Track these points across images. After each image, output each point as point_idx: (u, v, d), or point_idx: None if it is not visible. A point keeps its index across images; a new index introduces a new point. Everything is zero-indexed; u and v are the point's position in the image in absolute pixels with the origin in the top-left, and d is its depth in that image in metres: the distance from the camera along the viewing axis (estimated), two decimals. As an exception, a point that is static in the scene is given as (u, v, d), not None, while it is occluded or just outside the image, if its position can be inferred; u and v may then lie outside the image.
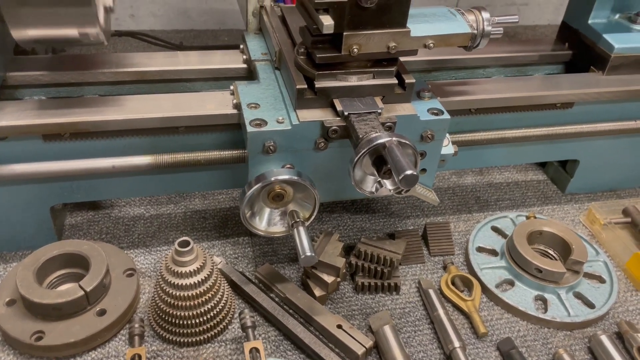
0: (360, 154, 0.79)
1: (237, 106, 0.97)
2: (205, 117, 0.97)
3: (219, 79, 1.13)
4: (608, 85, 1.17)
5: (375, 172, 0.82)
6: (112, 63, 1.08)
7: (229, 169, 1.04)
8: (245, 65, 1.12)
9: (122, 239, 1.12)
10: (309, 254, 0.88)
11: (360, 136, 0.83)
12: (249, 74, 1.12)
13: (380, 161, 0.81)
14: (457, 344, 0.94)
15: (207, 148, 1.00)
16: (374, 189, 0.85)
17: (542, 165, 1.42)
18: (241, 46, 1.15)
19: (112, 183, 1.01)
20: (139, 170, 0.98)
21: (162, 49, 1.69)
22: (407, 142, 0.79)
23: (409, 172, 0.72)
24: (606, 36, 1.18)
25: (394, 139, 0.78)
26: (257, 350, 0.88)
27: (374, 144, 0.78)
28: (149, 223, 1.17)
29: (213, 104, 0.98)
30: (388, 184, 0.83)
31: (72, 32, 0.86)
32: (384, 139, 0.78)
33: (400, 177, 0.72)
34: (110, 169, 0.97)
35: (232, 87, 1.01)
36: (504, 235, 1.19)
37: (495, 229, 1.21)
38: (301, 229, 0.93)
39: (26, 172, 0.94)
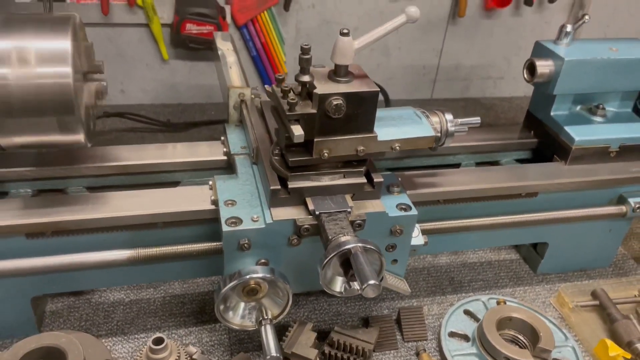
0: (328, 258, 0.83)
1: (215, 202, 1.01)
2: (183, 214, 1.01)
3: (201, 170, 1.18)
4: (570, 175, 1.23)
5: (342, 274, 0.86)
6: (97, 157, 1.13)
7: (207, 259, 1.08)
8: (225, 158, 1.17)
9: (101, 327, 1.14)
10: (274, 354, 0.92)
11: (330, 237, 0.88)
12: (229, 166, 1.17)
13: (348, 264, 0.85)
14: None
15: (186, 241, 1.04)
16: (342, 290, 0.88)
17: (515, 245, 1.46)
18: (222, 138, 1.21)
19: (92, 275, 1.04)
20: (120, 263, 1.01)
21: (147, 135, 1.75)
22: (372, 247, 0.84)
23: (371, 281, 0.76)
24: (567, 128, 1.25)
25: (359, 245, 0.82)
26: None
27: (341, 249, 0.82)
28: (128, 309, 1.19)
29: (192, 200, 1.03)
30: (356, 285, 0.86)
31: (56, 138, 0.91)
32: (350, 245, 0.82)
33: (363, 286, 0.76)
34: (91, 264, 1.00)
35: (210, 182, 1.06)
36: (476, 318, 1.22)
37: (467, 312, 1.24)
38: (268, 327, 0.97)
39: (7, 268, 0.97)
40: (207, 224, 1.05)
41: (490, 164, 1.40)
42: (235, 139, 1.18)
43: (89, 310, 1.18)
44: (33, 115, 0.87)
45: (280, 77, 0.95)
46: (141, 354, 0.94)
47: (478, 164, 1.38)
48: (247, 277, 0.93)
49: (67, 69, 0.86)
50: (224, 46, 1.43)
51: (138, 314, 1.18)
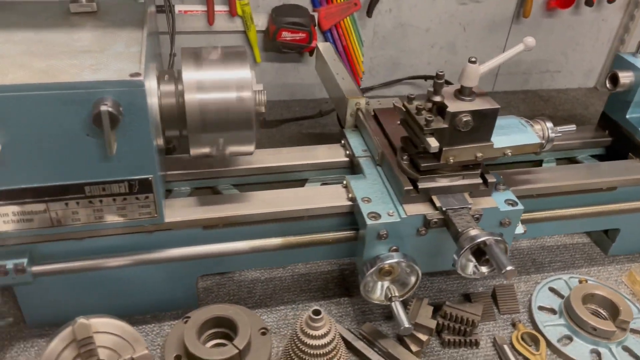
0: (465, 248, 1.03)
1: (352, 199, 1.22)
2: (327, 209, 1.22)
3: (325, 169, 1.38)
4: (645, 171, 1.41)
5: (474, 260, 1.07)
6: (240, 160, 1.34)
7: (339, 244, 1.28)
8: (347, 159, 1.37)
9: (247, 300, 1.37)
10: (407, 325, 1.13)
11: (460, 230, 1.08)
12: (350, 166, 1.37)
13: (479, 253, 1.05)
14: (532, 391, 1.17)
15: (324, 230, 1.25)
16: (472, 273, 1.09)
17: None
18: (342, 141, 1.41)
19: (247, 258, 1.26)
20: (271, 249, 1.23)
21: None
22: (500, 238, 1.04)
23: (509, 267, 0.96)
24: (642, 130, 1.43)
25: (492, 237, 1.02)
26: (376, 397, 1.11)
27: (477, 241, 1.02)
28: (265, 286, 1.41)
29: (331, 197, 1.23)
30: (484, 269, 1.07)
31: (233, 149, 1.12)
32: (483, 237, 1.02)
33: (502, 272, 0.97)
34: (248, 250, 1.22)
35: (344, 182, 1.26)
36: (559, 295, 1.42)
37: (552, 290, 1.44)
38: (398, 304, 1.17)
39: (188, 254, 1.19)
40: (341, 216, 1.26)
41: (568, 159, 1.58)
42: (355, 142, 1.38)
43: (234, 286, 1.40)
44: (220, 130, 1.07)
45: (412, 97, 1.14)
46: (301, 321, 1.15)
47: (557, 160, 1.56)
48: (389, 261, 1.14)
49: (249, 93, 1.06)
50: (329, 56, 1.62)
51: (274, 290, 1.40)
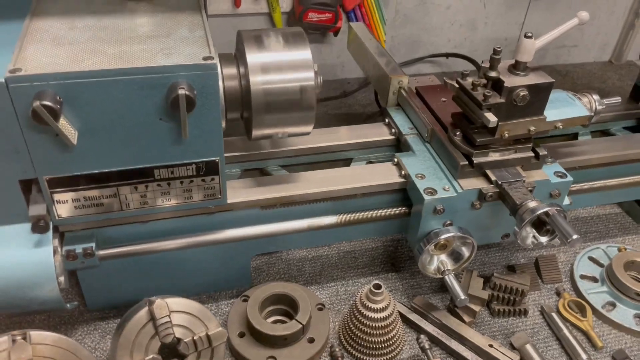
0: (528, 219, 1.06)
1: (405, 176, 1.24)
2: (380, 186, 1.25)
3: (371, 148, 1.41)
4: (680, 141, 1.44)
5: (534, 231, 1.10)
6: (288, 141, 1.35)
7: (390, 220, 1.31)
8: (393, 137, 1.40)
9: (298, 278, 1.40)
10: (463, 297, 1.16)
11: (518, 202, 1.11)
12: (397, 144, 1.40)
13: (540, 223, 1.08)
14: (584, 356, 1.21)
15: (377, 207, 1.28)
16: (530, 243, 1.12)
17: (618, 201, 1.69)
18: (386, 120, 1.43)
19: (300, 236, 1.28)
20: (326, 227, 1.26)
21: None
22: (560, 208, 1.07)
23: (575, 236, 0.99)
24: (675, 100, 1.46)
25: (554, 207, 1.05)
26: (437, 366, 1.15)
27: (539, 212, 1.05)
28: (313, 263, 1.44)
29: (384, 175, 1.26)
30: (543, 239, 1.10)
31: (293, 130, 1.14)
32: (545, 208, 1.06)
33: (568, 240, 1.00)
34: (305, 228, 1.24)
35: (395, 159, 1.29)
36: (598, 264, 1.47)
37: (591, 259, 1.48)
38: (451, 276, 1.21)
39: (247, 234, 1.21)
40: (393, 193, 1.28)
41: (601, 132, 1.61)
42: (400, 120, 1.40)
43: (284, 265, 1.43)
44: (284, 111, 1.09)
45: (466, 73, 1.16)
46: (361, 295, 1.18)
47: (592, 132, 1.59)
48: (447, 235, 1.17)
49: (311, 74, 1.08)
50: (364, 35, 1.63)
51: (323, 267, 1.43)
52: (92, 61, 0.91)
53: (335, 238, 1.35)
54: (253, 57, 1.05)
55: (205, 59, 0.95)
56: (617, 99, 1.27)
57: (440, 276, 1.22)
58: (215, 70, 0.95)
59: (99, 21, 1.04)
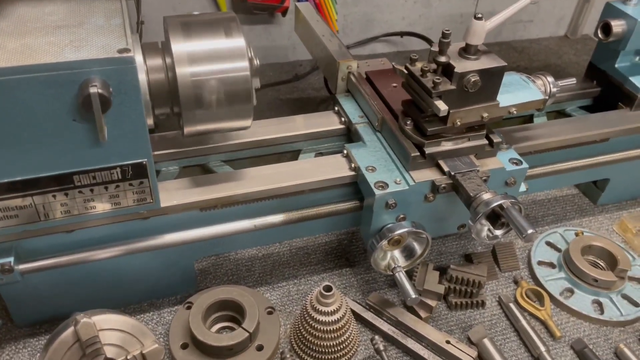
0: (482, 213, 1.01)
1: (355, 169, 1.17)
2: (329, 180, 1.17)
3: (320, 139, 1.32)
4: (636, 120, 1.41)
5: (489, 224, 1.04)
6: (230, 135, 1.25)
7: (342, 215, 1.24)
8: (343, 126, 1.31)
9: (247, 279, 1.32)
10: (413, 296, 1.11)
11: (472, 195, 1.05)
12: (347, 133, 1.32)
13: (495, 216, 1.02)
14: (542, 348, 1.18)
15: (327, 202, 1.20)
16: (485, 237, 1.07)
17: (574, 181, 1.66)
18: (336, 108, 1.35)
19: (246, 236, 1.20)
20: (275, 226, 1.18)
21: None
22: (515, 200, 1.01)
23: (530, 230, 0.94)
24: (632, 79, 1.42)
25: (509, 200, 1.00)
26: (393, 368, 1.10)
27: (493, 205, 1.00)
28: (264, 262, 1.36)
29: (333, 168, 1.18)
30: (498, 232, 1.05)
31: (230, 125, 1.04)
32: (499, 201, 1.00)
33: (524, 236, 0.95)
34: (252, 228, 1.16)
35: (345, 151, 1.21)
36: (556, 248, 1.43)
37: (548, 244, 1.45)
38: (402, 274, 1.15)
39: (187, 238, 1.12)
40: (344, 187, 1.21)
41: (557, 112, 1.57)
42: (350, 108, 1.32)
43: (232, 266, 1.35)
44: (216, 105, 0.99)
45: (415, 57, 1.09)
46: (311, 298, 1.11)
47: (547, 113, 1.54)
48: (399, 231, 1.10)
49: (245, 64, 0.98)
50: (310, 16, 1.53)
51: (274, 266, 1.36)
52: (-12, 57, 0.80)
53: (285, 236, 1.28)
54: (179, 46, 0.95)
55: (120, 51, 0.84)
56: (571, 80, 1.22)
57: (391, 273, 1.16)
58: (133, 64, 0.84)
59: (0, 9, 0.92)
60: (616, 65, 1.46)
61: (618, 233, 1.52)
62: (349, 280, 1.33)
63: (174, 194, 1.09)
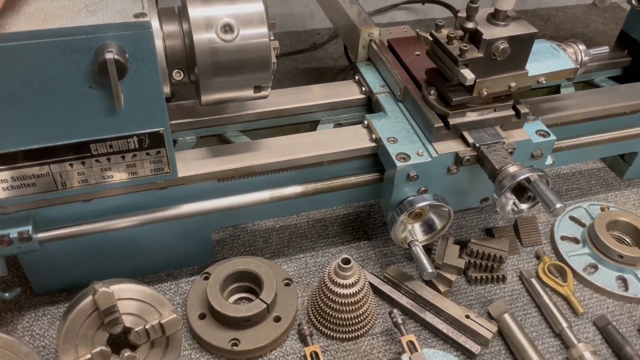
0: (508, 186, 0.97)
1: (376, 140, 1.14)
2: (349, 152, 1.14)
3: (340, 109, 1.29)
4: (668, 91, 1.35)
5: (515, 198, 1.01)
6: (248, 104, 1.23)
7: (361, 188, 1.21)
8: (363, 96, 1.28)
9: (264, 250, 1.31)
10: (430, 271, 1.08)
11: (497, 167, 1.02)
12: (368, 103, 1.28)
13: (521, 190, 0.99)
14: (564, 324, 1.16)
15: (346, 174, 1.18)
16: (510, 210, 1.04)
17: (600, 155, 1.61)
18: (356, 77, 1.31)
19: (264, 208, 1.19)
20: (293, 197, 1.16)
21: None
22: (543, 173, 0.98)
23: (559, 205, 0.91)
24: (665, 48, 1.36)
25: (536, 173, 0.96)
26: (412, 343, 1.09)
27: (519, 178, 0.96)
28: (281, 234, 1.35)
29: (353, 139, 1.15)
30: (524, 206, 1.02)
31: (248, 94, 1.02)
32: (526, 174, 0.96)
33: (552, 210, 0.91)
34: (268, 199, 1.14)
35: (365, 122, 1.18)
36: (580, 223, 1.40)
37: (572, 219, 1.41)
38: (419, 248, 1.12)
39: (204, 208, 1.11)
40: (364, 158, 1.18)
41: (585, 83, 1.51)
42: (371, 77, 1.28)
43: (249, 237, 1.33)
44: (234, 73, 0.96)
45: (441, 24, 1.04)
46: (329, 270, 1.10)
47: (575, 84, 1.49)
48: (421, 204, 1.08)
49: (265, 30, 0.95)
50: (331, -18, 1.48)
51: (291, 238, 1.34)
52: (3, 22, 0.77)
53: (303, 208, 1.26)
54: (196, 11, 0.91)
55: (137, 15, 0.81)
56: (604, 49, 1.17)
57: (407, 246, 1.14)
58: (149, 29, 0.81)
59: (13, -28, 0.89)
60: (648, 33, 1.39)
61: (645, 208, 1.47)
62: (366, 253, 1.32)
63: (191, 164, 1.08)
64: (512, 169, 1.00)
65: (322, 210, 1.41)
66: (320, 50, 2.02)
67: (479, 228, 1.39)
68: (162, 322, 0.97)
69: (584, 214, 1.42)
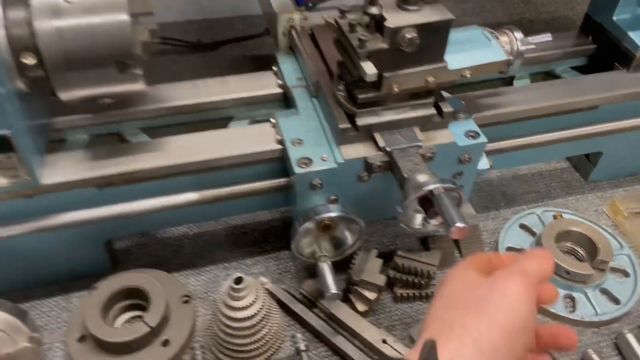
0: (409, 200, 0.83)
1: (281, 142, 1.00)
2: (249, 155, 1.00)
3: (256, 104, 1.15)
4: (633, 85, 1.18)
5: (423, 212, 0.87)
6: (149, 98, 1.09)
7: (269, 194, 1.08)
8: (280, 90, 1.13)
9: (172, 261, 1.18)
10: (334, 291, 0.96)
11: (406, 176, 0.87)
12: (285, 98, 1.14)
13: (428, 203, 0.85)
14: (496, 351, 1.02)
15: (249, 180, 1.04)
16: (420, 226, 0.89)
17: (565, 154, 1.45)
18: (274, 68, 1.16)
19: (160, 216, 1.06)
20: (188, 205, 1.03)
21: (178, 57, 1.69)
22: (452, 186, 0.83)
23: (458, 224, 0.76)
24: (631, 34, 1.19)
25: (440, 185, 0.82)
26: (314, 372, 0.96)
27: (422, 191, 0.82)
28: (194, 242, 1.22)
29: (256, 140, 1.01)
30: (434, 222, 0.88)
31: (117, 88, 0.88)
32: (430, 186, 0.82)
33: (450, 229, 0.77)
34: (159, 208, 1.01)
35: (272, 120, 1.03)
36: (532, 232, 1.25)
37: (523, 227, 1.26)
38: (324, 265, 0.99)
39: (82, 218, 0.98)
40: (270, 163, 1.04)
41: (545, 73, 1.35)
42: (289, 69, 1.14)
43: (157, 246, 1.21)
44: (90, 67, 0.83)
45: (346, 9, 0.89)
46: (223, 291, 0.97)
47: (533, 75, 1.33)
48: (323, 216, 0.94)
49: (123, 16, 0.81)
50: (259, -40, 1.33)
51: (204, 247, 1.21)
52: None
53: (208, 216, 1.13)
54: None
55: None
56: (546, 36, 1.01)
57: (314, 261, 1.01)
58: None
59: None
60: (614, 18, 1.22)
61: (608, 215, 1.32)
62: (285, 265, 1.18)
63: (62, 169, 0.95)
64: (420, 178, 0.85)
65: (244, 216, 1.28)
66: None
67: (417, 237, 1.25)
68: (9, 352, 0.85)
69: (536, 221, 1.27)
